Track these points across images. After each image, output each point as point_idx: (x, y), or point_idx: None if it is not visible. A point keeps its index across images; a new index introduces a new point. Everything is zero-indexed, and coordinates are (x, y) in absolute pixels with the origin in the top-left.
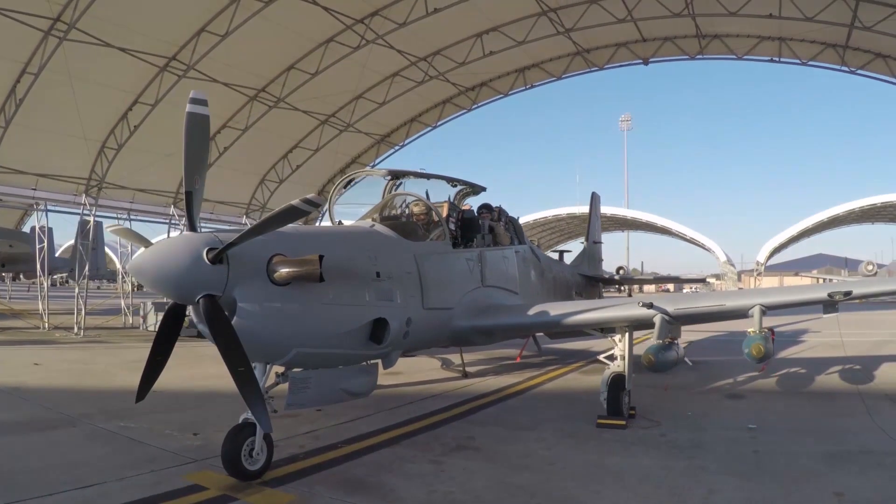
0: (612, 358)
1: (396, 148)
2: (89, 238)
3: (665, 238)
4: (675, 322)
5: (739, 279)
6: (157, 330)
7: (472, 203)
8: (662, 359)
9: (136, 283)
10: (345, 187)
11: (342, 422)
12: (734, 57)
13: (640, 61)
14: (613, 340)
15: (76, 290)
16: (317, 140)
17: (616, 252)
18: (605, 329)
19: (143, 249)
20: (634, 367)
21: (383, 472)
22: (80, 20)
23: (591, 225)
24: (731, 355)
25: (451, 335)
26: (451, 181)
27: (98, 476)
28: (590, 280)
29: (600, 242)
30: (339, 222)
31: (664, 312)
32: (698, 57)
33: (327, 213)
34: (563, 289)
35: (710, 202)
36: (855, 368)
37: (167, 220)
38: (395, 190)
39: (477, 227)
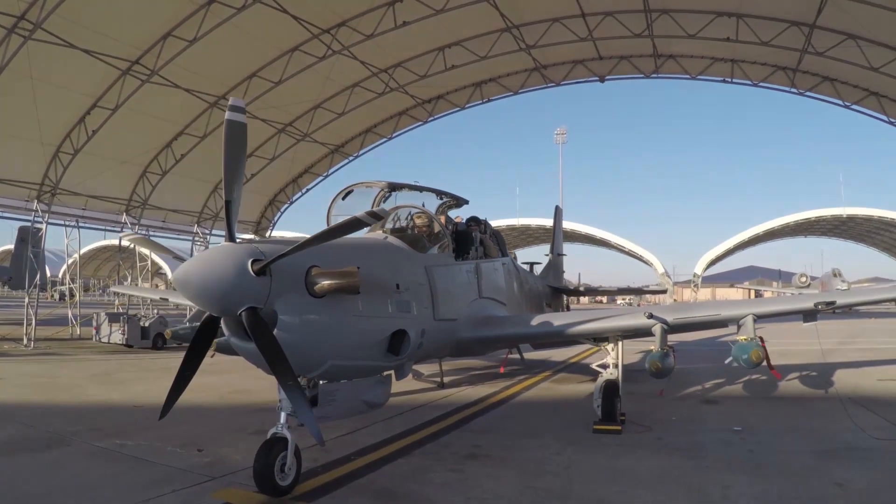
0: (604, 366)
1: (350, 158)
2: (40, 246)
3: (603, 250)
4: (673, 331)
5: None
6: (190, 344)
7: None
8: (667, 365)
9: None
10: (343, 198)
11: (342, 434)
12: (688, 77)
13: (597, 78)
14: (606, 349)
15: (26, 299)
16: (273, 149)
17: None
18: (597, 339)
19: (186, 260)
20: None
21: (408, 481)
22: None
23: (556, 237)
24: (690, 363)
25: (455, 346)
26: (439, 193)
27: (118, 499)
28: (556, 291)
29: (563, 254)
30: None
31: (664, 322)
32: (653, 76)
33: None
34: (536, 300)
35: (649, 216)
36: (812, 374)
37: (119, 228)
38: (385, 202)
39: (471, 240)
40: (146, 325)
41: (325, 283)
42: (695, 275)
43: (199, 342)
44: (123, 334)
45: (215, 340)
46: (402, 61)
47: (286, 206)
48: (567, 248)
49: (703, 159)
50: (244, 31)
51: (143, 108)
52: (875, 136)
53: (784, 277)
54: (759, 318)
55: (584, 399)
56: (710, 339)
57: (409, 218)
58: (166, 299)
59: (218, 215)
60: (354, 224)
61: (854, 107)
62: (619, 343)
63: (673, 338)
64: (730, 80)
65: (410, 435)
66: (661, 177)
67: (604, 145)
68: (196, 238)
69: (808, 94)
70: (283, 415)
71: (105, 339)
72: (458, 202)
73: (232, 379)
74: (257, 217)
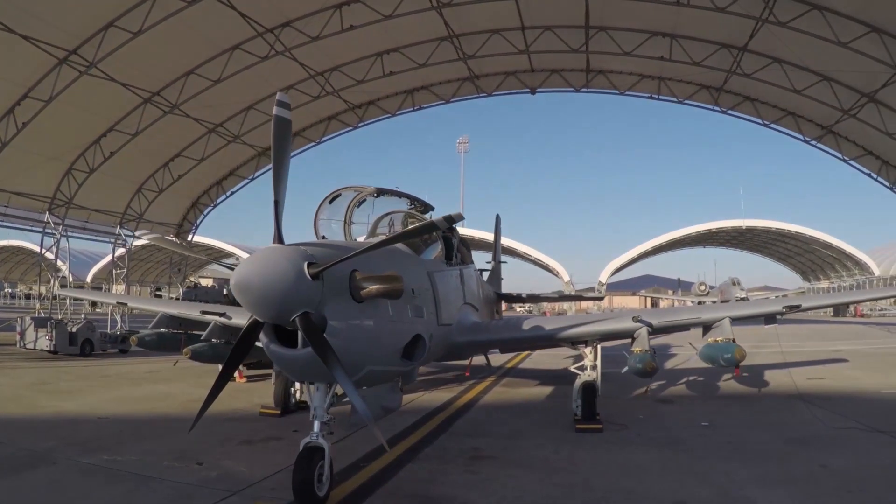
0: (582, 368)
1: None
2: None
3: (509, 258)
4: (655, 333)
5: None
6: (231, 352)
7: None
8: (657, 364)
9: None
10: (330, 202)
11: (334, 442)
12: (617, 92)
13: (528, 90)
14: (584, 352)
15: None
16: (202, 149)
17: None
18: (575, 342)
19: (243, 264)
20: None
21: (434, 485)
22: None
23: (496, 245)
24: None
25: (447, 350)
26: (412, 199)
27: None
28: (499, 297)
29: (504, 262)
30: (323, 237)
31: (649, 325)
32: (583, 90)
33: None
34: (490, 305)
35: (555, 226)
36: (745, 375)
37: (41, 228)
38: (358, 207)
39: (453, 245)
40: (74, 330)
41: (373, 287)
42: (599, 283)
43: (241, 351)
44: (51, 340)
45: (189, 348)
46: (339, 65)
47: (210, 208)
48: (474, 256)
49: (611, 172)
50: (188, 26)
51: (74, 100)
52: (775, 152)
53: (684, 286)
54: (734, 320)
55: (546, 401)
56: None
57: (405, 223)
58: (124, 304)
59: (142, 217)
60: (429, 227)
61: (773, 126)
62: (598, 346)
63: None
64: (656, 96)
65: (402, 441)
66: (567, 187)
67: (511, 155)
68: (117, 240)
69: (730, 112)
70: (317, 423)
71: (30, 345)
72: (426, 208)
73: (184, 388)
74: (179, 219)
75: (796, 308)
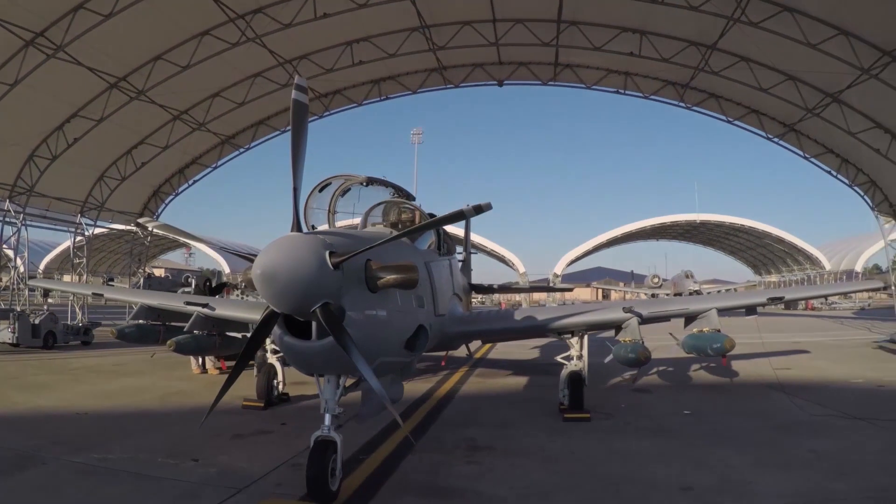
0: (568, 358)
1: (241, 150)
2: None
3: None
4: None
5: None
6: (247, 344)
7: None
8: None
9: None
10: (320, 191)
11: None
12: (584, 86)
13: (495, 82)
14: (570, 343)
15: None
16: (166, 137)
17: None
18: (561, 332)
19: (265, 254)
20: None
21: (438, 476)
22: None
23: (467, 237)
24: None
25: (439, 341)
26: (396, 189)
27: None
28: (471, 287)
29: (474, 252)
30: (312, 226)
31: (639, 315)
32: (550, 83)
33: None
34: (468, 295)
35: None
36: (712, 366)
37: (1, 217)
38: (343, 196)
39: (441, 236)
40: (37, 322)
41: (390, 277)
42: (554, 274)
43: (255, 343)
44: (13, 332)
45: (173, 340)
46: (308, 53)
47: (171, 197)
48: None
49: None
50: (159, 10)
51: (38, 84)
52: (733, 149)
53: (635, 279)
54: (721, 311)
55: (525, 391)
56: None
57: (398, 213)
58: (100, 294)
59: (104, 206)
60: (458, 216)
61: (736, 122)
62: (585, 337)
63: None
64: (623, 91)
65: (394, 432)
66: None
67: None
68: (77, 229)
69: (695, 108)
70: (328, 416)
71: None
72: (409, 198)
73: (155, 381)
74: (140, 208)
75: (779, 300)
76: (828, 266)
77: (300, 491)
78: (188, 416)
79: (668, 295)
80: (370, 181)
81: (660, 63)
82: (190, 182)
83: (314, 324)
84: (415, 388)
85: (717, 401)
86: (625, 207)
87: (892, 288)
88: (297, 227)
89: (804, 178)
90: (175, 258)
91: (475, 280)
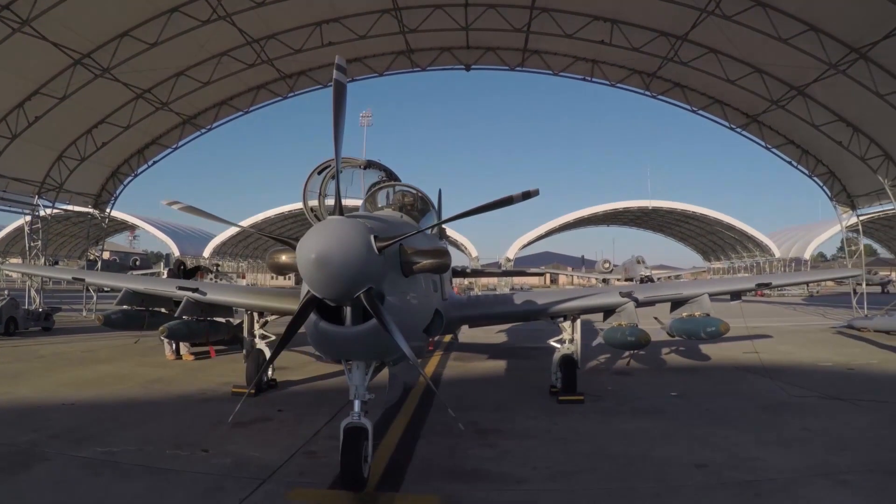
0: (561, 342)
1: (203, 131)
2: None
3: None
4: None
5: None
6: (285, 332)
7: None
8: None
9: None
10: (319, 174)
11: (329, 421)
12: (551, 73)
13: (463, 67)
14: (563, 327)
15: None
16: (128, 116)
17: None
18: (556, 316)
19: (314, 238)
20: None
21: (459, 460)
22: None
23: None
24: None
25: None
26: (389, 173)
27: None
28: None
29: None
30: (311, 209)
31: (635, 300)
32: (518, 69)
33: None
34: (450, 279)
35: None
36: (682, 349)
37: None
38: (333, 180)
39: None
40: None
41: (425, 262)
42: (506, 258)
43: (293, 330)
44: None
45: (165, 326)
46: (277, 33)
47: (130, 178)
48: None
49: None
50: None
51: (6, 63)
52: (681, 137)
53: (586, 264)
54: (712, 295)
55: (508, 374)
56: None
57: (402, 196)
58: (81, 279)
59: (62, 187)
60: (506, 202)
61: (700, 112)
62: (578, 321)
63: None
64: (589, 78)
65: (395, 417)
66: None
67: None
68: (34, 211)
69: (660, 97)
70: (357, 403)
71: None
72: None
73: (131, 367)
74: (97, 190)
75: (767, 286)
76: (777, 253)
77: (324, 479)
78: (177, 404)
79: (618, 280)
80: (369, 164)
81: (628, 52)
82: (149, 163)
83: (348, 310)
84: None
85: (699, 383)
86: (579, 193)
87: (851, 281)
88: (339, 210)
89: (757, 168)
90: (120, 241)
91: None
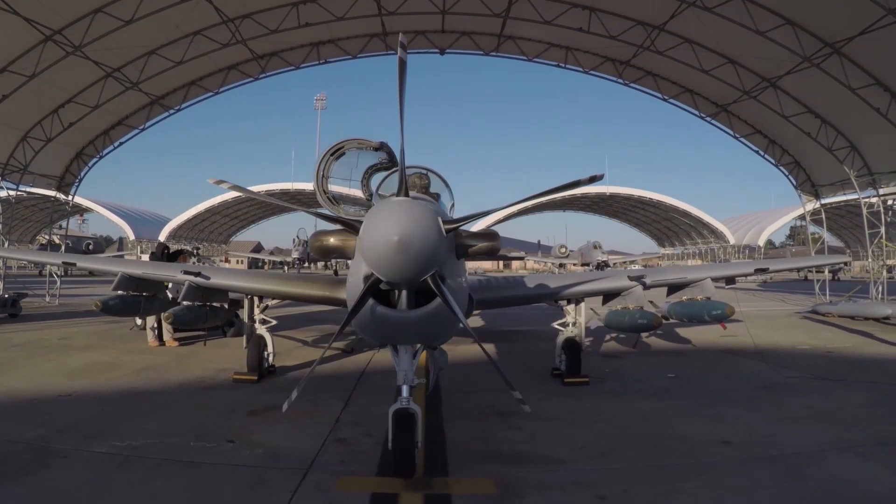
0: (564, 325)
1: (171, 112)
2: None
3: None
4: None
5: None
6: (347, 317)
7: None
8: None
9: None
10: (333, 155)
11: (344, 408)
12: (525, 58)
13: (437, 51)
14: (567, 310)
15: None
16: (97, 95)
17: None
18: (565, 299)
19: (390, 219)
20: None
21: (493, 443)
22: None
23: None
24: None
25: None
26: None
27: None
28: None
29: None
30: (324, 191)
31: (643, 283)
32: (492, 54)
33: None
34: None
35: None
36: (659, 333)
37: None
38: (337, 161)
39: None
40: None
41: (481, 244)
42: None
43: (356, 313)
44: None
45: (171, 311)
46: (253, 12)
47: (95, 160)
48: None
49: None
50: None
51: None
52: (639, 125)
53: (542, 249)
54: (714, 280)
55: (501, 359)
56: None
57: (419, 178)
58: (73, 264)
59: (27, 168)
60: (573, 185)
61: (671, 100)
62: (581, 304)
63: None
64: (563, 65)
65: None
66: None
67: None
68: None
69: (632, 85)
70: (405, 388)
71: None
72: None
73: (116, 355)
74: (61, 171)
75: (764, 271)
76: (732, 240)
77: (367, 466)
78: (179, 393)
79: (574, 265)
80: (381, 146)
81: (603, 40)
82: (115, 144)
83: (403, 293)
84: (387, 357)
85: (690, 365)
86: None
87: (801, 273)
88: (405, 190)
89: (714, 156)
90: (69, 225)
91: None
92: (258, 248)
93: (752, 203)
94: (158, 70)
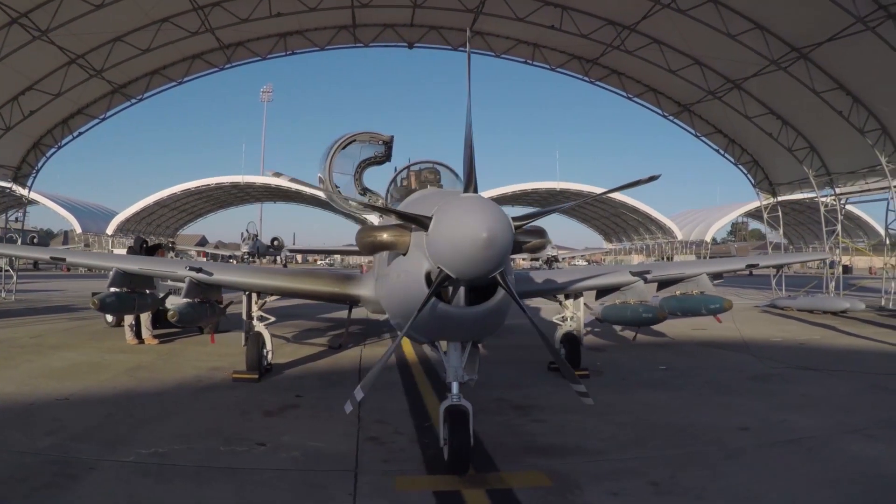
0: (563, 319)
1: (133, 101)
2: None
3: (327, 213)
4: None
5: None
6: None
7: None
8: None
9: None
10: (344, 147)
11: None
12: (493, 54)
13: (406, 45)
14: (565, 304)
15: None
16: (59, 83)
17: (274, 223)
18: (568, 295)
19: (475, 216)
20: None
21: (524, 436)
22: None
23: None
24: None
25: None
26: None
27: None
28: None
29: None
30: (335, 186)
31: (645, 278)
32: (460, 49)
33: None
34: None
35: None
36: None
37: None
38: (343, 150)
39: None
40: None
41: (535, 241)
42: None
43: (419, 312)
44: None
45: (175, 310)
46: (224, 0)
47: (53, 150)
48: (285, 207)
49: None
50: None
51: None
52: (589, 120)
53: None
54: (710, 276)
55: (494, 353)
56: None
57: (433, 174)
58: (62, 259)
59: None
60: (634, 184)
61: (635, 99)
62: (581, 299)
63: None
64: (530, 62)
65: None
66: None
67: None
68: None
69: (597, 83)
70: (455, 385)
71: None
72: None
73: (95, 354)
74: (17, 162)
75: (755, 266)
76: (679, 236)
77: (413, 465)
78: (180, 394)
79: (523, 259)
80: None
81: (572, 38)
82: (74, 134)
83: (461, 290)
84: (376, 352)
85: (676, 358)
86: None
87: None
88: (475, 187)
89: (665, 153)
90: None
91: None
92: (203, 242)
93: (697, 201)
94: (123, 58)
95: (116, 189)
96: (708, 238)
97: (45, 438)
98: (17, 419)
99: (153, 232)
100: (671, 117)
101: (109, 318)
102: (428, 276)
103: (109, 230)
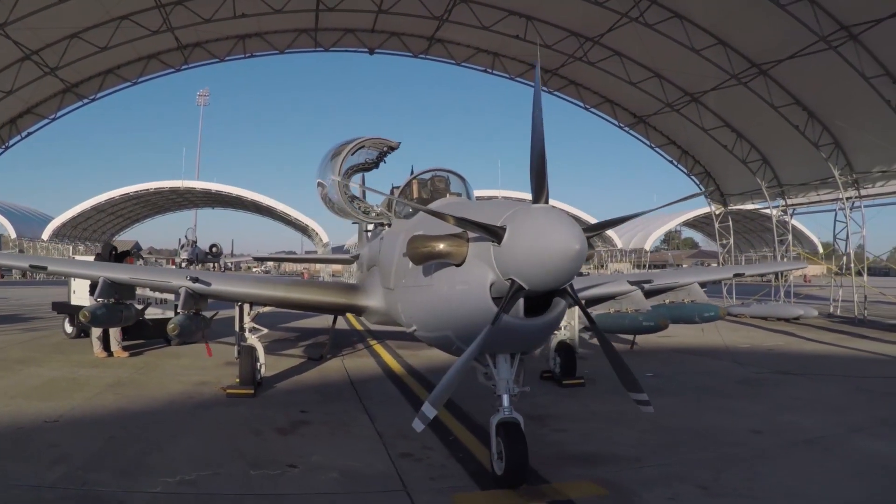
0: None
1: (85, 101)
2: None
3: (266, 220)
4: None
5: None
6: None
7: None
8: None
9: None
10: (353, 153)
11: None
12: (454, 62)
13: (366, 50)
14: None
15: None
16: (11, 80)
17: (210, 230)
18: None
19: (554, 227)
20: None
21: (551, 445)
22: None
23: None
24: None
25: None
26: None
27: None
28: None
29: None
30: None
31: (642, 288)
32: (421, 56)
33: None
34: None
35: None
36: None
37: None
38: (353, 155)
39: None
40: None
41: (590, 251)
42: (325, 244)
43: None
44: None
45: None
46: None
47: (0, 151)
48: (223, 213)
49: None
50: None
51: None
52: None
53: None
54: (701, 284)
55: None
56: None
57: (444, 182)
58: (43, 267)
59: None
60: (688, 197)
61: (591, 109)
62: (575, 308)
63: None
64: (490, 70)
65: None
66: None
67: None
68: None
69: (555, 93)
70: (506, 397)
71: None
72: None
73: (69, 370)
74: None
75: (741, 275)
76: (620, 244)
77: (461, 481)
78: (177, 412)
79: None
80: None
81: (533, 47)
82: (23, 134)
83: (520, 302)
84: (362, 363)
85: (658, 365)
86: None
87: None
88: (546, 198)
89: (605, 162)
90: None
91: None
92: (137, 248)
93: (633, 209)
94: (79, 56)
95: (51, 193)
96: (647, 246)
97: (53, 468)
98: (12, 447)
99: (90, 237)
100: (626, 128)
101: (69, 328)
102: (495, 286)
103: (45, 235)
